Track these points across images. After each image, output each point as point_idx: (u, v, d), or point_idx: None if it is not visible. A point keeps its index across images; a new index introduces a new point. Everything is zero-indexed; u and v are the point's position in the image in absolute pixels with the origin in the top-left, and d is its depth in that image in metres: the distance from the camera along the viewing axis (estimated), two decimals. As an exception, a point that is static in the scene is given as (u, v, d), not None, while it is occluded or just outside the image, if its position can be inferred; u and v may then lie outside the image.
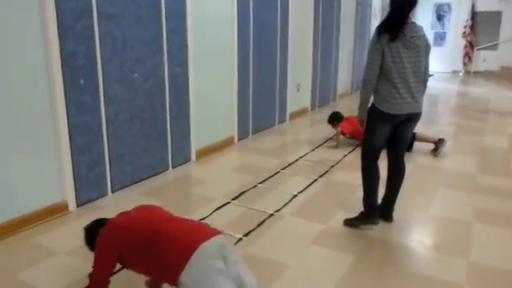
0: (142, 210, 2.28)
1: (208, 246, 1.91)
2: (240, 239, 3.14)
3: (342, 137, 5.76)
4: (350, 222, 3.40)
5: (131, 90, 3.94)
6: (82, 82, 3.44)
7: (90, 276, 2.20)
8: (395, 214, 3.44)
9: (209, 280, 1.85)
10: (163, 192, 4.04)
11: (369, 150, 3.31)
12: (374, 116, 3.19)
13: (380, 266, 2.86)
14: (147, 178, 4.25)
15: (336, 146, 5.74)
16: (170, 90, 4.40)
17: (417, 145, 5.59)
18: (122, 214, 2.29)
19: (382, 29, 3.01)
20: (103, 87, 3.65)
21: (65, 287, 2.54)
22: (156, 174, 4.35)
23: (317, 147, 5.63)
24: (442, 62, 14.17)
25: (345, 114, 5.94)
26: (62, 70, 3.27)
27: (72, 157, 3.47)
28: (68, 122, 3.38)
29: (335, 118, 5.89)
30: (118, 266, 2.21)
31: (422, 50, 3.05)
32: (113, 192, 3.91)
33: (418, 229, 3.43)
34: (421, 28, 3.09)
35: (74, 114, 3.43)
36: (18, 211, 3.18)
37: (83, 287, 2.51)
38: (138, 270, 2.17)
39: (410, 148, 5.35)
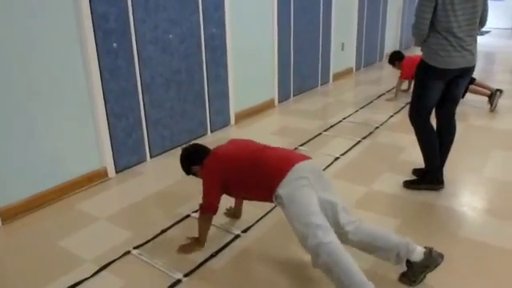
0: (237, 142, 2.55)
1: (302, 166, 2.16)
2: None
3: (402, 86, 5.69)
4: (411, 185, 3.21)
5: (166, 52, 3.84)
6: (115, 45, 3.37)
7: (201, 205, 2.42)
8: (445, 177, 3.22)
9: (299, 191, 2.07)
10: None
11: (421, 110, 3.07)
12: (425, 72, 2.95)
13: (427, 230, 2.68)
14: (186, 142, 4.19)
15: (394, 98, 5.67)
16: (207, 52, 4.27)
17: (469, 101, 5.25)
18: (219, 146, 2.52)
19: None
20: (137, 50, 3.56)
21: (103, 254, 2.53)
22: (195, 139, 4.29)
23: (361, 108, 5.38)
24: (501, 17, 13.16)
25: (392, 74, 5.66)
26: (94, 33, 3.20)
27: (109, 123, 3.44)
28: (103, 88, 3.34)
29: (396, 57, 5.77)
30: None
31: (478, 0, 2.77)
32: (151, 157, 3.89)
33: (469, 192, 3.19)
34: None
35: (109, 79, 3.37)
36: (59, 178, 3.21)
37: (126, 251, 2.53)
38: (239, 193, 2.48)
39: (464, 93, 5.16)
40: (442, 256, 2.12)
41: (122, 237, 2.71)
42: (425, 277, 2.17)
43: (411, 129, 3.12)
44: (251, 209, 2.90)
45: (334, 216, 2.13)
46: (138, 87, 3.63)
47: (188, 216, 2.92)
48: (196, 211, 2.93)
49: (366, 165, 3.68)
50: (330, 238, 1.96)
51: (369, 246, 2.15)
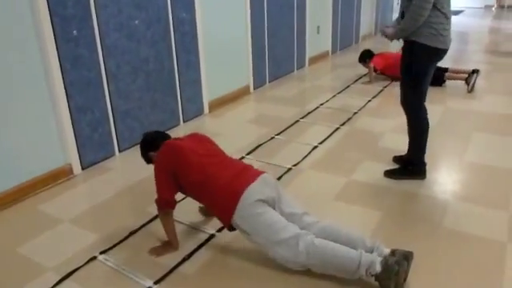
0: (194, 138, 2.39)
1: (256, 186, 2.08)
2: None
3: (374, 74, 5.69)
4: (393, 175, 3.07)
5: (132, 39, 3.60)
6: (75, 33, 3.12)
7: (156, 201, 2.27)
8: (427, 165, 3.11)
9: (257, 217, 2.03)
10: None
11: (420, 97, 2.91)
12: (428, 56, 2.76)
13: (410, 223, 2.56)
14: (157, 134, 3.99)
15: (369, 82, 5.68)
16: (176, 38, 4.04)
17: (447, 85, 5.21)
18: (175, 139, 2.39)
19: None
20: (100, 38, 3.32)
21: (66, 261, 2.33)
22: (167, 130, 4.06)
23: (338, 93, 5.24)
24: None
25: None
26: (50, 20, 2.94)
27: (72, 116, 3.21)
28: (63, 78, 3.10)
29: (367, 56, 5.78)
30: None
31: None
32: (120, 151, 3.68)
33: (451, 179, 3.09)
34: None
35: (70, 69, 3.13)
36: (19, 178, 2.97)
37: (92, 256, 2.34)
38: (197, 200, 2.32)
39: (442, 82, 5.23)
40: (408, 256, 1.97)
41: (87, 241, 2.52)
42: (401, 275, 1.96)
43: (389, 114, 3.01)
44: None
45: (299, 224, 2.12)
46: (102, 77, 3.39)
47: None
48: (167, 209, 2.77)
49: (344, 153, 3.54)
50: (304, 240, 1.98)
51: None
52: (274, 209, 2.13)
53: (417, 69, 2.80)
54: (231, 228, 2.17)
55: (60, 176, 3.22)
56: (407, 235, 2.44)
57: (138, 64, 3.69)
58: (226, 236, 2.47)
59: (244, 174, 2.17)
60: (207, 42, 4.43)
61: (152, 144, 2.40)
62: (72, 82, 3.17)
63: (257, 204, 2.05)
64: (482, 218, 2.58)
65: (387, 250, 2.02)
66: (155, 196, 2.27)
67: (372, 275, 1.93)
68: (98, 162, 3.50)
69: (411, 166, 3.06)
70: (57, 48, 3.02)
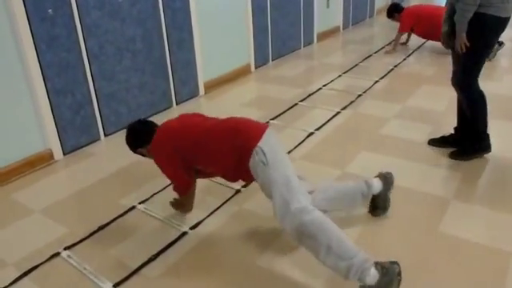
0: (182, 116, 2.29)
1: (273, 133, 2.06)
2: (238, 191, 2.69)
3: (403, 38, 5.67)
4: (459, 157, 2.95)
5: (116, 17, 3.39)
6: (50, 11, 2.93)
7: (175, 189, 2.27)
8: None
9: (280, 150, 2.01)
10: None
11: (479, 73, 2.77)
12: (493, 28, 2.63)
13: (408, 225, 2.34)
14: (147, 117, 3.80)
15: (392, 51, 5.60)
16: (166, 15, 3.80)
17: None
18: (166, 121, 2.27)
19: None
20: (79, 16, 3.12)
21: (29, 256, 2.21)
22: (157, 113, 3.90)
23: (344, 72, 4.95)
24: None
25: (383, 32, 5.34)
26: (22, -2, 2.76)
27: (50, 99, 3.05)
28: (39, 61, 2.92)
29: (395, 9, 5.65)
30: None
31: None
32: (106, 136, 3.52)
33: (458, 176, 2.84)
34: None
35: (45, 50, 2.95)
36: (-7, 164, 2.86)
37: (55, 252, 2.21)
38: (211, 169, 2.20)
39: None
40: (389, 173, 2.33)
41: (55, 234, 2.38)
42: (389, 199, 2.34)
43: (396, 97, 2.76)
44: (202, 200, 2.57)
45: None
46: (83, 58, 3.21)
47: (133, 208, 2.58)
48: (143, 202, 2.62)
49: (342, 142, 3.30)
50: (313, 205, 1.88)
51: (334, 206, 2.21)
52: None
53: (485, 42, 2.69)
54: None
55: (39, 162, 3.09)
56: (405, 237, 2.23)
57: (123, 44, 3.48)
58: (200, 233, 2.30)
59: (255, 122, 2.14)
60: (202, 18, 4.18)
61: (141, 139, 2.27)
62: (49, 64, 3.00)
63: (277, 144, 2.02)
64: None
65: (377, 182, 2.28)
66: (149, 185, 2.37)
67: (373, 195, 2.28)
68: (82, 146, 3.35)
69: (477, 143, 2.94)
70: (30, 28, 2.83)
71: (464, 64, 2.75)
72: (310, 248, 1.81)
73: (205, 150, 2.06)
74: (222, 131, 2.04)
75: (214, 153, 2.05)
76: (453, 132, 3.12)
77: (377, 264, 1.72)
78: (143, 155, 2.36)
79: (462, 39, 2.64)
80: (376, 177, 2.31)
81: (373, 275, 1.69)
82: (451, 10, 2.75)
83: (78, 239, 2.32)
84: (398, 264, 1.76)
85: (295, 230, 1.82)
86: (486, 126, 2.91)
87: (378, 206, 2.33)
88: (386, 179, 2.29)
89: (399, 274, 1.74)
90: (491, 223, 2.31)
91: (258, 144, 1.93)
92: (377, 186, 2.26)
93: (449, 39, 2.84)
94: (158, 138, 2.17)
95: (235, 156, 2.00)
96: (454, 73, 2.87)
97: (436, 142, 3.15)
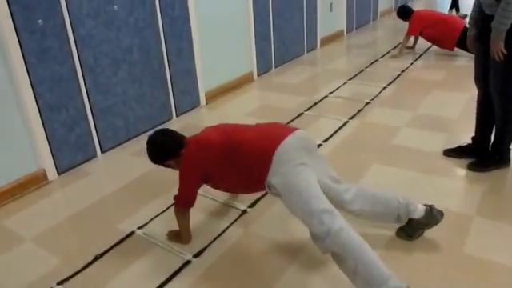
0: (216, 127, 2.21)
1: (289, 142, 1.91)
2: (244, 211, 2.51)
3: (411, 40, 5.55)
4: (477, 168, 2.78)
5: (111, 27, 3.21)
6: (40, 22, 2.75)
7: (176, 198, 2.16)
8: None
9: (293, 175, 1.85)
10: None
11: None
12: None
13: (430, 245, 2.15)
14: (145, 131, 3.62)
15: (398, 55, 5.46)
16: (165, 23, 3.62)
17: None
18: (198, 134, 2.20)
19: None
20: (72, 27, 2.94)
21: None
22: (157, 126, 3.71)
23: (350, 79, 4.76)
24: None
25: (387, 35, 5.16)
26: (9, 8, 2.57)
27: (42, 116, 2.86)
28: (29, 76, 2.74)
29: (404, 11, 5.55)
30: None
31: None
32: (103, 152, 3.33)
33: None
34: None
35: (36, 63, 2.77)
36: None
37: (62, 279, 2.04)
38: (224, 185, 2.18)
39: None
40: (442, 214, 2.08)
41: (47, 266, 2.19)
42: (422, 233, 2.13)
43: (407, 104, 2.60)
44: (205, 222, 2.38)
45: (331, 190, 1.98)
46: (77, 71, 3.03)
47: (132, 233, 2.39)
48: (142, 226, 2.43)
49: (352, 154, 3.11)
50: (339, 223, 1.76)
51: (368, 214, 2.07)
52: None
53: None
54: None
55: (32, 183, 2.90)
56: (424, 261, 2.03)
57: (119, 55, 3.30)
58: (205, 262, 2.11)
59: (276, 131, 2.02)
60: (202, 26, 3.99)
61: (170, 151, 2.16)
62: (40, 78, 2.81)
63: (292, 161, 1.88)
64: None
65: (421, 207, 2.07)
66: (149, 207, 2.28)
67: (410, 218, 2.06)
68: (78, 164, 3.16)
69: (498, 154, 2.78)
70: (19, 41, 2.65)
71: (503, 73, 2.54)
72: (341, 269, 1.77)
73: (228, 173, 2.05)
74: (237, 162, 2.00)
75: (233, 177, 2.06)
76: (470, 142, 2.94)
77: None
78: (168, 167, 2.24)
79: (498, 47, 2.42)
80: (425, 205, 2.10)
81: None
82: (479, 13, 2.58)
83: (72, 272, 2.13)
84: None
85: (325, 252, 1.80)
86: (511, 141, 2.75)
87: (405, 229, 2.15)
88: (432, 214, 2.07)
89: None
90: (521, 244, 2.12)
91: (267, 178, 1.89)
92: (419, 212, 2.07)
93: (475, 43, 2.70)
94: (191, 151, 2.10)
95: (253, 183, 2.02)
96: (476, 78, 2.75)
97: (452, 153, 2.97)
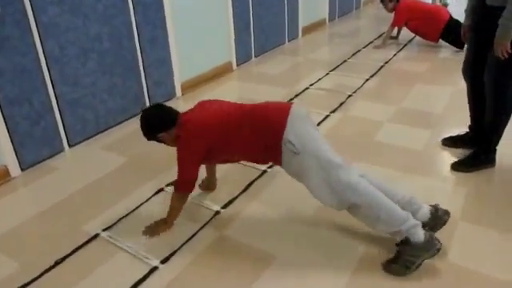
0: (211, 102, 2.24)
1: (298, 110, 2.01)
2: (217, 212, 2.38)
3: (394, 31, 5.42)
4: (460, 168, 2.68)
5: (77, 14, 3.01)
6: (-1, 9, 2.56)
7: (177, 183, 2.12)
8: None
9: (306, 129, 1.96)
10: (140, 139, 3.18)
11: None
12: None
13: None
14: (117, 124, 3.45)
15: (382, 46, 5.29)
16: (137, 11, 3.43)
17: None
18: (191, 110, 2.20)
19: None
20: (34, 14, 2.74)
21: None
22: (129, 118, 3.55)
23: (332, 70, 4.63)
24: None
25: (371, 25, 5.01)
26: (-38, -6, 2.38)
27: (2, 111, 2.68)
28: (-14, 67, 2.56)
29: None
30: None
31: None
32: (71, 146, 3.16)
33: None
34: None
35: (-6, 54, 2.58)
36: None
37: (20, 285, 1.87)
38: (231, 156, 2.18)
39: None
40: (448, 213, 2.04)
41: (4, 271, 2.05)
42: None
43: (390, 97, 2.49)
44: (175, 223, 2.25)
45: None
46: (40, 62, 2.84)
47: (96, 236, 2.24)
48: (107, 228, 2.28)
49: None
50: (355, 175, 1.92)
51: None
52: None
53: None
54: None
55: (-7, 180, 2.73)
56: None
57: (87, 44, 3.11)
58: (173, 268, 1.98)
59: (282, 104, 2.15)
60: (177, 13, 3.81)
61: (163, 125, 2.12)
62: (0, 70, 2.62)
63: (303, 119, 1.98)
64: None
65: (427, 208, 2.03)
66: (119, 205, 2.22)
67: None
68: (43, 160, 2.99)
69: (483, 154, 2.68)
70: (-26, 29, 2.46)
71: (504, 65, 2.36)
72: (360, 218, 1.94)
73: (236, 146, 2.06)
74: (252, 126, 2.01)
75: (245, 149, 2.07)
76: (468, 130, 2.89)
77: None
78: (161, 141, 2.18)
79: (504, 46, 2.24)
80: (431, 206, 2.05)
81: (419, 236, 1.83)
82: (476, 2, 2.44)
83: (30, 278, 1.98)
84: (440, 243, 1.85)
85: (342, 206, 1.91)
86: (499, 138, 2.64)
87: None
88: (437, 217, 2.00)
89: (438, 250, 1.84)
90: (503, 250, 2.03)
91: (284, 135, 1.91)
92: (423, 214, 1.99)
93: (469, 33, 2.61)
94: (192, 133, 2.05)
95: (265, 149, 2.01)
96: (465, 69, 2.69)
97: (449, 141, 2.94)
